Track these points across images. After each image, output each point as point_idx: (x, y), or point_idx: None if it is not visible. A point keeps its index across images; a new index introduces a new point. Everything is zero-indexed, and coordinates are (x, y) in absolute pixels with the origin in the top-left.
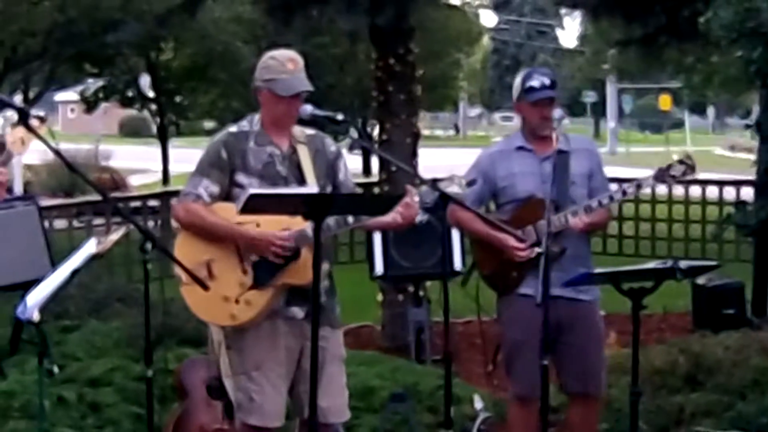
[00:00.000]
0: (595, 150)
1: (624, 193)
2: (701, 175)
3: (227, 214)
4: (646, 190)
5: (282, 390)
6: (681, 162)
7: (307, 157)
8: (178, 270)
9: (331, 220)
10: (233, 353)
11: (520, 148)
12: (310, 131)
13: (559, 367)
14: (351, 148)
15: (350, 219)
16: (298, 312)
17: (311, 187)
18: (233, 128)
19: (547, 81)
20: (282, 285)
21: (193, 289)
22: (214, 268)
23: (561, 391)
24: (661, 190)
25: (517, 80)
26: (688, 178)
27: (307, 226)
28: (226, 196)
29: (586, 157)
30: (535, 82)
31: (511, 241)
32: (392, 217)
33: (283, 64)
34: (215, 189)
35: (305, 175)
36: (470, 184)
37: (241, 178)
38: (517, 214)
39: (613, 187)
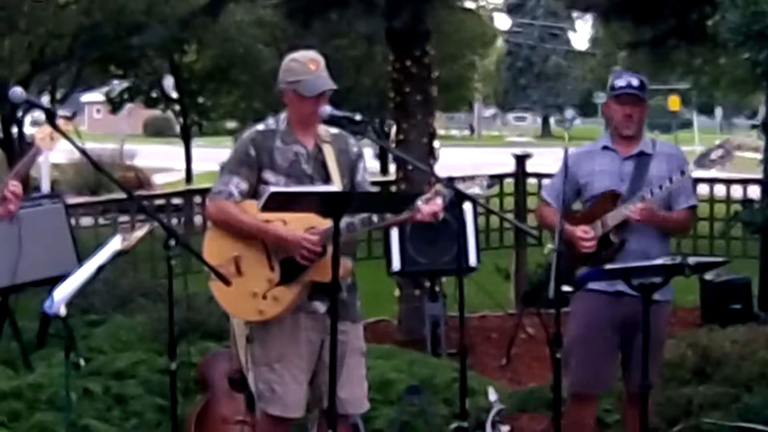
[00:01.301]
0: (679, 155)
1: (670, 180)
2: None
3: (255, 211)
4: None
5: (303, 382)
6: (719, 146)
7: (331, 155)
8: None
9: (356, 219)
10: (256, 346)
11: (605, 147)
12: (334, 130)
13: (623, 364)
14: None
15: (375, 218)
16: (320, 306)
17: (333, 186)
18: (260, 126)
19: (634, 81)
20: (308, 281)
21: (221, 284)
22: (242, 264)
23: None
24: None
25: (609, 80)
26: (726, 162)
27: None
28: (254, 193)
29: (667, 161)
30: (621, 81)
31: (578, 232)
32: (418, 216)
33: (306, 65)
34: (245, 186)
35: (330, 174)
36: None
37: (268, 175)
38: (591, 209)
39: None
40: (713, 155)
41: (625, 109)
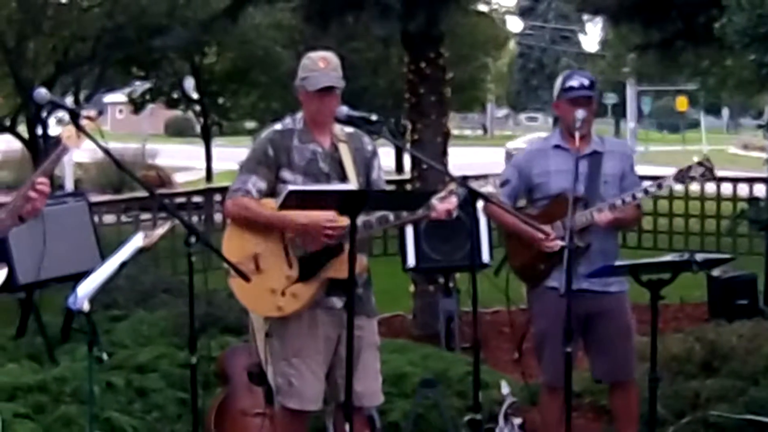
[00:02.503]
0: (628, 152)
1: (646, 191)
2: (716, 173)
3: (273, 209)
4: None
5: (320, 376)
6: (700, 164)
7: (347, 154)
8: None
9: (373, 218)
10: (275, 341)
11: (557, 146)
12: (349, 129)
13: (590, 357)
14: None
15: (391, 216)
16: (336, 302)
17: (350, 184)
18: (278, 126)
19: (585, 81)
20: (325, 278)
21: (241, 281)
22: (261, 261)
23: (593, 379)
24: (679, 186)
25: (559, 80)
26: (706, 179)
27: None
28: (272, 192)
29: (619, 158)
30: (574, 82)
31: (540, 234)
32: (433, 214)
33: (315, 63)
34: (263, 185)
35: (347, 172)
36: (503, 184)
37: (286, 174)
38: (546, 210)
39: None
40: (694, 173)
41: (578, 112)
